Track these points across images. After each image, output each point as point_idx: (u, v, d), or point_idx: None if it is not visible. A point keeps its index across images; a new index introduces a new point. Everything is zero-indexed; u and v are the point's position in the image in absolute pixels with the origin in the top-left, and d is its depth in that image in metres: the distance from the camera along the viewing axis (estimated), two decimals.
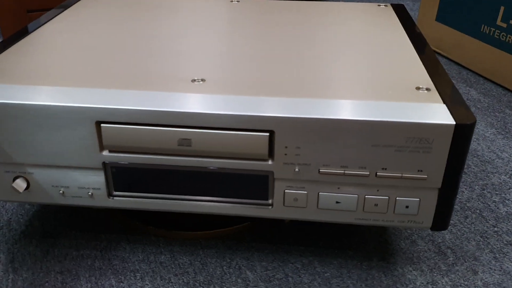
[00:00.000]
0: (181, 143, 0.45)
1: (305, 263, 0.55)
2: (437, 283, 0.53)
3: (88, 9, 0.67)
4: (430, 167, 0.44)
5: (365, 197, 0.46)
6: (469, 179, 0.69)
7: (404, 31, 0.62)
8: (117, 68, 0.50)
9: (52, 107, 0.44)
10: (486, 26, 0.96)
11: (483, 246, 0.58)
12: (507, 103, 0.90)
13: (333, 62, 0.52)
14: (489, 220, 0.62)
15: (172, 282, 0.53)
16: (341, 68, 0.51)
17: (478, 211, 0.63)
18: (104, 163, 0.47)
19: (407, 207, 0.46)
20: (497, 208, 0.64)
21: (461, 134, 0.42)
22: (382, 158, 0.44)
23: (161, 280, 0.53)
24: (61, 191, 0.49)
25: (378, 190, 0.46)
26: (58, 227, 0.60)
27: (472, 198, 0.66)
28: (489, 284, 0.53)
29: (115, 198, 0.49)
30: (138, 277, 0.53)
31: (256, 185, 0.47)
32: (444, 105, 0.44)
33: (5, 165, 0.48)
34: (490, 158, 0.74)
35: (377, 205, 0.46)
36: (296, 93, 0.46)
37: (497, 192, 0.67)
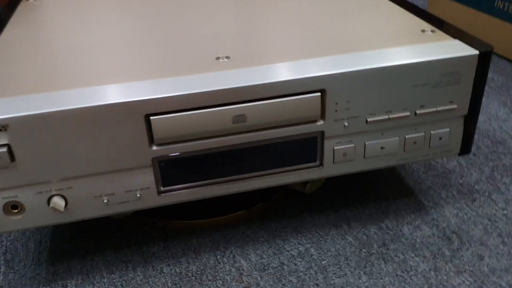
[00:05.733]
0: (236, 120, 0.44)
1: (301, 251, 0.53)
2: (440, 270, 0.50)
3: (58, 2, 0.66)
4: (459, 96, 0.48)
5: (405, 137, 0.49)
6: (478, 161, 0.66)
7: None
8: (141, 59, 0.47)
9: (94, 108, 0.40)
10: (500, 1, 0.91)
11: (491, 230, 0.55)
12: None
13: (338, 21, 0.54)
14: (499, 202, 0.59)
15: (164, 273, 0.51)
16: (349, 25, 0.53)
17: (487, 193, 0.60)
18: (153, 159, 0.45)
19: (440, 138, 0.50)
20: (508, 190, 0.61)
21: (483, 61, 0.47)
22: (421, 97, 0.47)
23: (153, 271, 0.51)
24: (105, 200, 0.45)
25: (416, 129, 0.49)
26: None
27: (481, 180, 0.62)
28: (496, 270, 0.50)
29: (164, 194, 0.47)
30: (129, 268, 0.52)
31: (306, 149, 0.48)
32: (458, 40, 0.49)
33: (36, 185, 0.43)
34: (502, 138, 0.71)
35: (415, 142, 0.50)
36: (329, 51, 0.47)
37: (508, 174, 0.63)
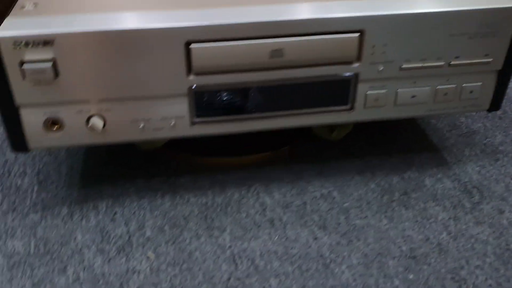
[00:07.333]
0: (273, 54, 0.45)
1: (324, 193, 0.54)
2: (459, 219, 0.51)
3: None
4: (495, 50, 0.49)
5: (437, 88, 0.50)
6: (504, 124, 0.66)
7: None
8: None
9: (136, 31, 0.42)
10: None
11: None
12: None
13: None
14: None
15: (190, 202, 0.53)
16: None
17: (510, 154, 0.61)
18: (189, 88, 0.46)
19: (471, 92, 0.51)
20: None
21: None
22: (457, 47, 0.48)
23: (181, 199, 0.53)
24: (141, 126, 0.47)
25: (448, 80, 0.50)
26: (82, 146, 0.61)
27: (506, 142, 0.63)
28: None
29: (197, 125, 0.48)
30: (158, 195, 0.54)
31: (340, 90, 0.48)
32: None
33: (76, 104, 0.44)
34: None
35: (446, 94, 0.50)
36: None
37: None
